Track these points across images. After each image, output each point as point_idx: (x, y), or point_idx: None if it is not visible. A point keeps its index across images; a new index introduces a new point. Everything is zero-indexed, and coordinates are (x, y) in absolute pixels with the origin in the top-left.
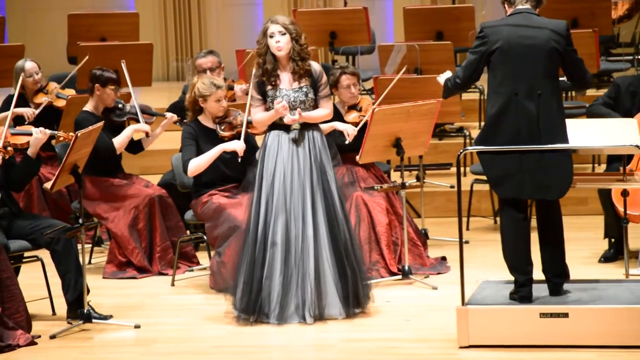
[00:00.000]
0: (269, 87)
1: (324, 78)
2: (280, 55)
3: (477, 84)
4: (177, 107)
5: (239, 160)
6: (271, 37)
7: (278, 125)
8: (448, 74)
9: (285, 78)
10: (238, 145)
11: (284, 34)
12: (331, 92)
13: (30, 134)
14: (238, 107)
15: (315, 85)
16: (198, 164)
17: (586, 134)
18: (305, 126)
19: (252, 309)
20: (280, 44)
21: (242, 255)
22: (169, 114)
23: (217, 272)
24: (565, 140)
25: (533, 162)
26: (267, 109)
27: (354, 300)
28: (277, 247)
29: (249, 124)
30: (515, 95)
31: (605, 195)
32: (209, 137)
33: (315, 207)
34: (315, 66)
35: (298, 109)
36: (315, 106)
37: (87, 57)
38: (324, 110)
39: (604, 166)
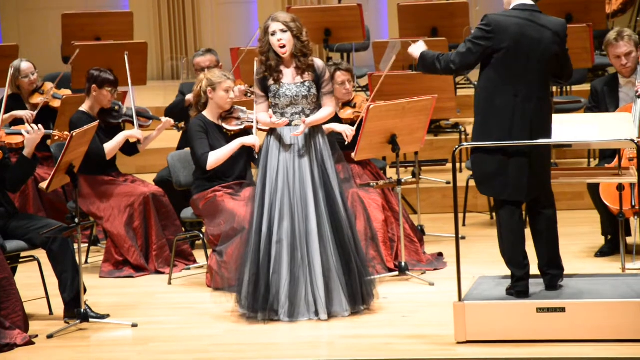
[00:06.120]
0: (272, 82)
1: (327, 74)
2: (283, 55)
3: (472, 80)
4: (174, 109)
5: (255, 155)
6: (273, 35)
7: None
8: (421, 44)
9: (288, 72)
10: (257, 140)
11: (285, 31)
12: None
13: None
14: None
15: (318, 81)
16: (218, 157)
17: (581, 128)
18: None
19: (262, 307)
20: (283, 41)
21: (245, 253)
22: (164, 119)
23: (219, 272)
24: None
25: (517, 166)
26: (270, 105)
27: (359, 297)
28: (283, 244)
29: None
30: (515, 97)
31: (594, 192)
32: (218, 132)
33: (318, 205)
34: (319, 62)
35: (302, 118)
36: (318, 102)
37: (77, 51)
38: (327, 109)
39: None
